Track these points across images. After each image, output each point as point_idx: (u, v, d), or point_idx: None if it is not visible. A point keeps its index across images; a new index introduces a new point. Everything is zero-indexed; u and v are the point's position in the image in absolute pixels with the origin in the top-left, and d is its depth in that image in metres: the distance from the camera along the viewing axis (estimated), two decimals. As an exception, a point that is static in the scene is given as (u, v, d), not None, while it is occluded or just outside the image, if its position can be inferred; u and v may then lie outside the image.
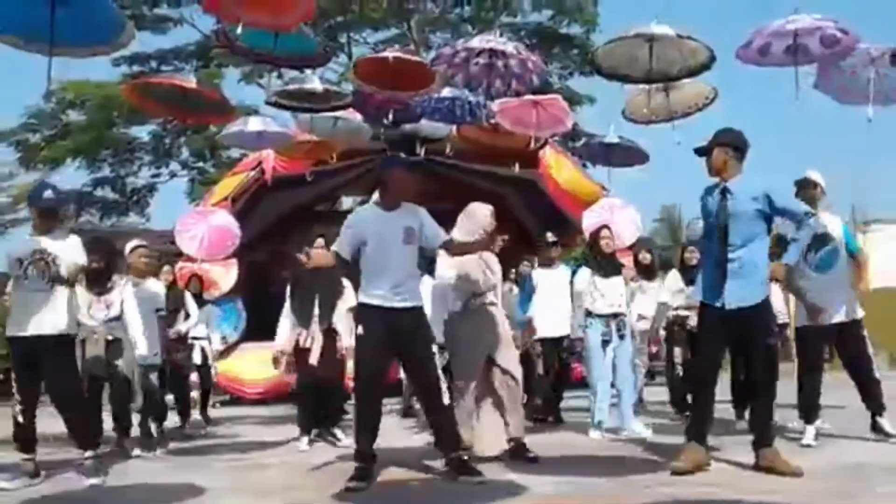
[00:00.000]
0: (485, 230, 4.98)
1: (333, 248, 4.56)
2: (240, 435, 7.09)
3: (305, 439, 5.98)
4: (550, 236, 7.39)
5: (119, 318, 5.72)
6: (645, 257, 7.55)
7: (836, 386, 5.41)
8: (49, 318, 4.60)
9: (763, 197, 4.26)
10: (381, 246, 4.44)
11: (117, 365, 5.64)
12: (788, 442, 5.22)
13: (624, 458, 4.98)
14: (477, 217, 5.06)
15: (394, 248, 4.45)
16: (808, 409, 5.25)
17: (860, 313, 5.33)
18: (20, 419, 4.68)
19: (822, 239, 5.19)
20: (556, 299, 6.75)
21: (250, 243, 10.18)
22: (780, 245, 5.40)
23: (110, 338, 5.64)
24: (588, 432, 6.01)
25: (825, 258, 5.22)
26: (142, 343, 5.91)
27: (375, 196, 5.09)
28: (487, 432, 5.00)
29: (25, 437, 4.69)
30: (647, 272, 7.42)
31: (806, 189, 5.30)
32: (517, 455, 4.88)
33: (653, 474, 4.30)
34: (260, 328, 10.50)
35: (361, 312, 4.51)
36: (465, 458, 4.46)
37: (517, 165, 8.87)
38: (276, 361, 6.24)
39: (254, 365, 10.36)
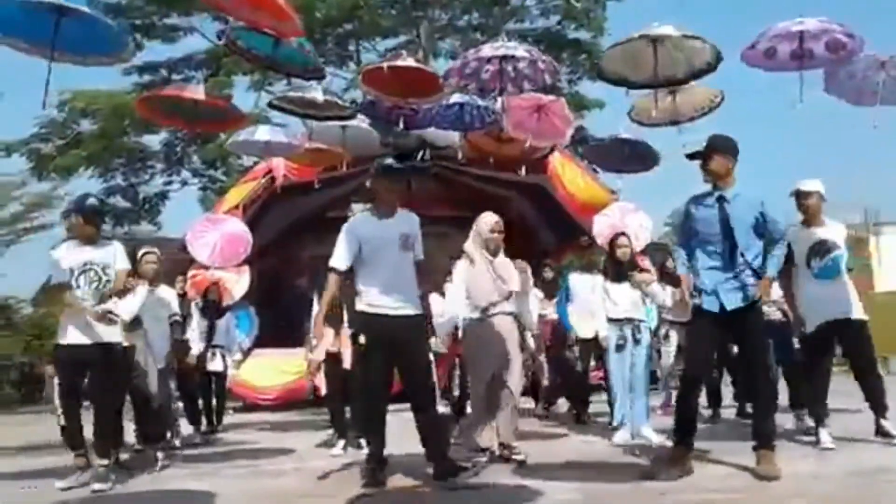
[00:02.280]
0: (486, 239, 5.11)
1: (331, 263, 4.49)
2: (252, 442, 7.10)
3: (341, 443, 5.96)
4: (586, 239, 7.24)
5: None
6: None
7: (856, 390, 5.36)
8: (100, 328, 4.69)
9: (759, 208, 4.39)
10: (378, 252, 4.44)
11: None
12: (813, 444, 5.20)
13: (639, 464, 4.96)
14: (479, 226, 5.19)
15: (391, 254, 4.46)
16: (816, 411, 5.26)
17: (863, 315, 5.27)
18: (62, 423, 4.80)
19: (823, 247, 5.17)
20: (596, 303, 6.50)
21: (261, 250, 10.22)
22: None
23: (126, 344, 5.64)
24: (612, 436, 5.93)
25: (830, 266, 5.18)
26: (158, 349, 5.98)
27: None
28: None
29: (72, 436, 4.84)
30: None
31: (803, 199, 5.29)
32: (505, 457, 4.97)
33: (668, 481, 4.27)
34: (271, 335, 10.54)
35: (362, 320, 4.50)
36: (449, 460, 4.45)
37: (524, 169, 8.87)
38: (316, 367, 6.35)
39: (266, 371, 10.40)
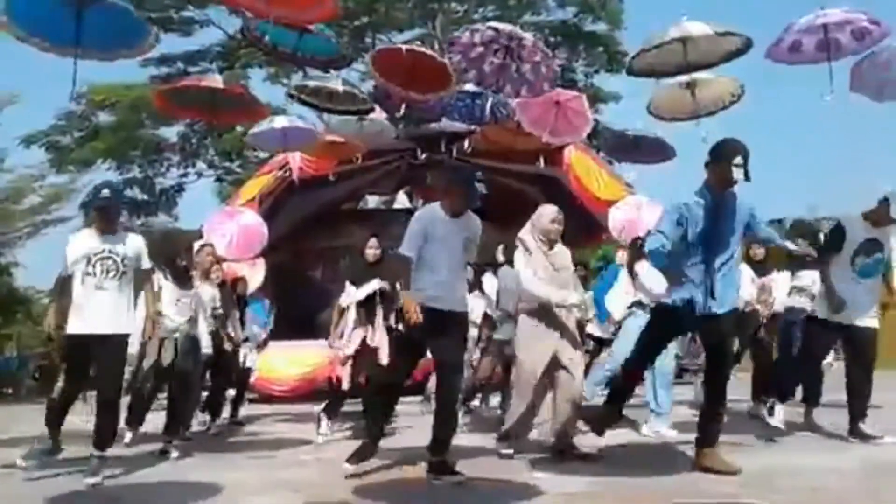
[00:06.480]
0: (544, 230, 5.01)
1: (402, 251, 4.51)
2: (269, 432, 7.15)
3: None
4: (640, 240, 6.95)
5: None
6: (756, 253, 6.89)
7: (877, 387, 5.33)
8: (113, 318, 4.64)
9: (748, 213, 4.36)
10: (442, 249, 4.47)
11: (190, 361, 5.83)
12: (828, 438, 5.22)
13: (652, 457, 4.95)
14: (538, 216, 5.10)
15: (454, 253, 4.51)
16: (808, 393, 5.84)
17: (876, 323, 5.30)
18: (56, 396, 4.95)
19: (872, 245, 5.15)
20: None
21: (276, 243, 10.25)
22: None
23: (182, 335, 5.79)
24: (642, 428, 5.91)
25: (873, 266, 5.18)
26: (206, 340, 6.24)
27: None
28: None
29: (63, 407, 4.92)
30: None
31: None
32: (566, 453, 4.90)
33: (680, 475, 4.27)
34: (286, 327, 10.57)
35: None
36: (444, 459, 4.44)
37: (542, 161, 8.83)
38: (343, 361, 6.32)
39: (281, 363, 10.45)
